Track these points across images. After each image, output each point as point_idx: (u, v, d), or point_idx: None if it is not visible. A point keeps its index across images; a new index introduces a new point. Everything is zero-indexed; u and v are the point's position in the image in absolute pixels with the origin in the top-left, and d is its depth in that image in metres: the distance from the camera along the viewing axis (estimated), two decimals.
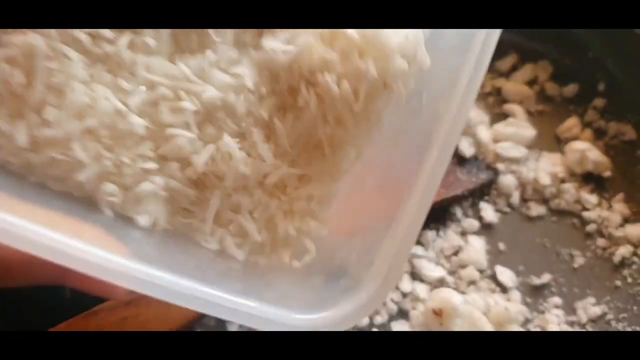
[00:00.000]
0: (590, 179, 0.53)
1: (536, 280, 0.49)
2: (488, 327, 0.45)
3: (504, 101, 0.58)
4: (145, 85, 0.29)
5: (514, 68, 0.60)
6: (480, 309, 0.46)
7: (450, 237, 0.51)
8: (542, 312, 0.48)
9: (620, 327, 0.47)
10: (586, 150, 0.52)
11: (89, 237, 0.26)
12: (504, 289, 0.49)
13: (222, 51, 0.30)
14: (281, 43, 0.30)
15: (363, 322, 0.47)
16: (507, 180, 0.53)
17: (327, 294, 0.29)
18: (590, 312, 0.47)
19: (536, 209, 0.52)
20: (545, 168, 0.53)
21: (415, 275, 0.49)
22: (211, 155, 0.30)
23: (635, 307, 0.47)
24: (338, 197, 0.34)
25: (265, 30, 0.31)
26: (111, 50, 0.29)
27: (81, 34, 0.28)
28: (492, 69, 0.60)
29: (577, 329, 0.47)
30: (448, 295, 0.46)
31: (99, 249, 0.25)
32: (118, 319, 0.43)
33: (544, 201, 0.53)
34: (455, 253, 0.50)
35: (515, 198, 0.53)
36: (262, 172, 0.31)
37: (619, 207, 0.51)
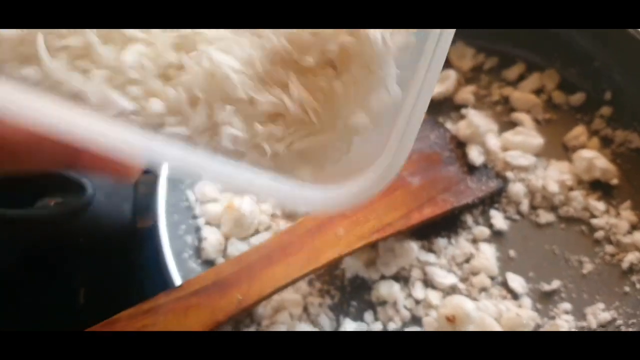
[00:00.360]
0: (598, 187, 0.54)
1: (546, 287, 0.50)
2: None
3: (512, 110, 0.59)
4: None
5: (522, 77, 0.61)
6: (492, 315, 0.47)
7: (461, 244, 0.52)
8: (553, 318, 0.48)
9: None
10: (594, 159, 0.53)
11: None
12: (514, 296, 0.49)
13: None
14: None
15: (377, 329, 0.48)
16: (517, 188, 0.53)
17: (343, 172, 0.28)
18: (600, 317, 0.48)
19: (545, 217, 0.53)
20: (553, 176, 0.54)
21: (428, 283, 0.50)
22: None
23: None
24: None
25: None
26: None
27: None
28: (499, 78, 0.61)
29: None
30: (461, 302, 0.47)
31: (118, 125, 0.23)
32: (136, 328, 0.44)
33: (553, 208, 0.53)
34: (467, 260, 0.51)
35: (525, 205, 0.53)
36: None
37: (627, 214, 0.52)
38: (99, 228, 0.49)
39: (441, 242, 0.52)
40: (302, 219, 0.49)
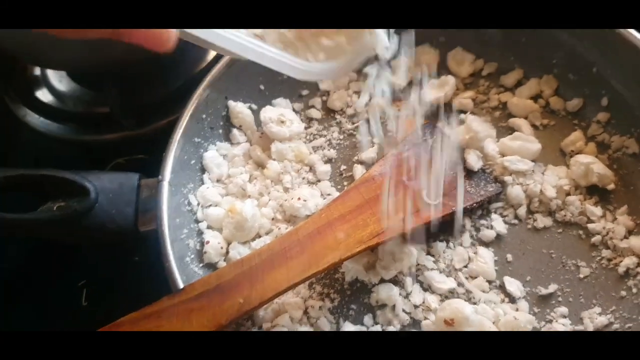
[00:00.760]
0: (595, 192, 0.55)
1: (543, 291, 0.50)
2: None
3: (510, 115, 0.60)
4: None
5: (519, 83, 0.61)
6: (490, 319, 0.48)
7: (459, 249, 0.52)
8: (550, 322, 0.49)
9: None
10: (591, 164, 0.54)
11: None
12: (512, 299, 0.50)
13: None
14: None
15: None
16: (515, 193, 0.54)
17: None
18: (596, 321, 0.48)
19: (543, 221, 0.54)
20: (551, 181, 0.54)
21: (427, 286, 0.51)
22: None
23: None
24: None
25: None
26: None
27: None
28: (497, 84, 0.62)
29: None
30: (459, 306, 0.47)
31: None
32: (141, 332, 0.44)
33: (550, 213, 0.54)
34: (465, 264, 0.52)
35: (522, 210, 0.54)
36: None
37: (623, 219, 0.53)
38: (101, 231, 0.50)
39: (440, 246, 0.52)
40: (302, 223, 0.50)
